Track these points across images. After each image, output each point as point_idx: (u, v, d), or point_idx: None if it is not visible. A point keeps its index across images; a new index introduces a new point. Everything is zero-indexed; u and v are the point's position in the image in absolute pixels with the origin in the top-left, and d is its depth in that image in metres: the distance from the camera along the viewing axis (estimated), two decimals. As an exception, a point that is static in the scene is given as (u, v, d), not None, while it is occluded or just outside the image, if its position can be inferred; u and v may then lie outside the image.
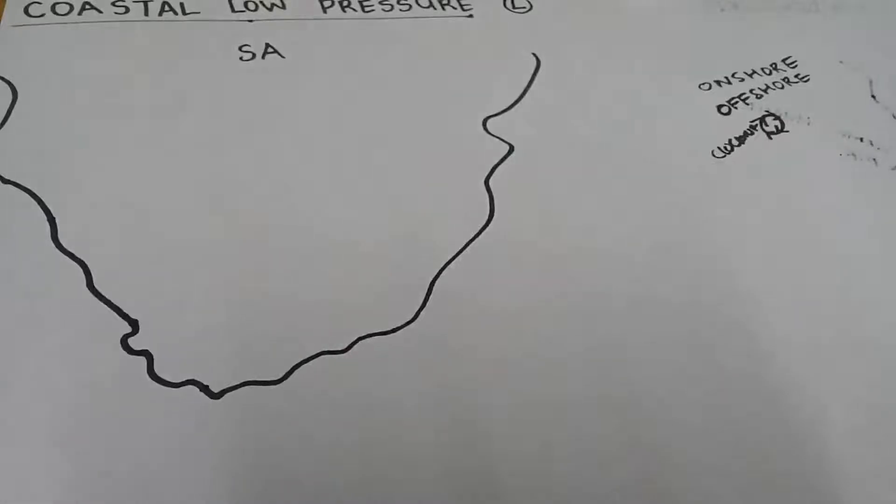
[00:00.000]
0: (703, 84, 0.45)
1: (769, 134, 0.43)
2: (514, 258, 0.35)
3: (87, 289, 0.31)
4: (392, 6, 0.46)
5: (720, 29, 0.49)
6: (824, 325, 0.35)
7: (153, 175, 0.36)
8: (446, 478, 0.29)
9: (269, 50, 0.42)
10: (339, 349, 0.32)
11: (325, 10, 0.45)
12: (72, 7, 0.42)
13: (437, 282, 0.34)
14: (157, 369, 0.30)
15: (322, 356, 0.31)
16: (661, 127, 0.42)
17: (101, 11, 0.42)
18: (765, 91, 0.46)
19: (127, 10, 0.42)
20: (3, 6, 0.41)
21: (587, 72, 0.45)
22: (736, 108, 0.45)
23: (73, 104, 0.37)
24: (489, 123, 0.41)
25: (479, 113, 0.41)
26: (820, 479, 0.31)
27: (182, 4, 0.43)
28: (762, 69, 0.47)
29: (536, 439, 0.30)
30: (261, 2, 0.45)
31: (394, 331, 0.32)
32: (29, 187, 0.34)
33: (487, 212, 0.37)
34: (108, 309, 0.31)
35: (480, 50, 0.45)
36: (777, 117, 0.44)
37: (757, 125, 0.44)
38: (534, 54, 0.45)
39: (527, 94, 0.43)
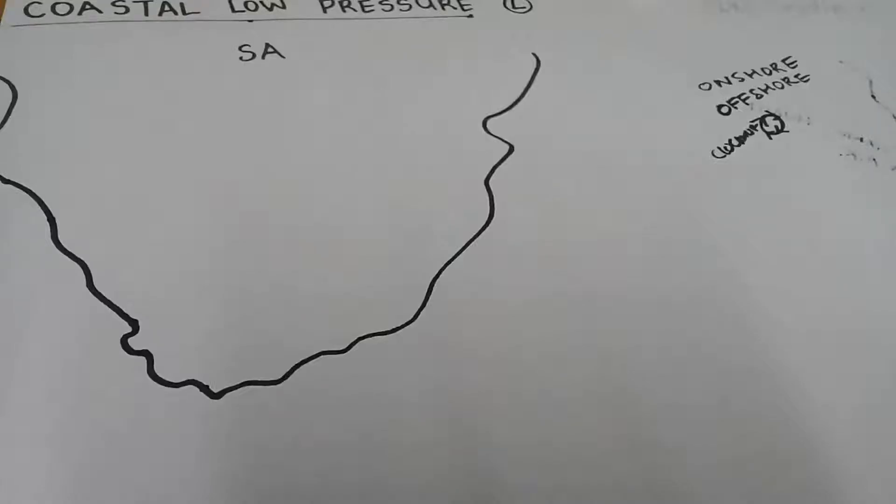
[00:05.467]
0: (703, 84, 0.45)
1: (769, 134, 0.43)
2: (514, 258, 0.35)
3: (87, 289, 0.31)
4: (392, 6, 0.46)
5: (720, 29, 0.49)
6: (824, 324, 0.35)
7: (153, 175, 0.36)
8: (446, 478, 0.29)
9: (269, 50, 0.42)
10: (339, 349, 0.32)
11: (325, 10, 0.45)
12: (72, 7, 0.42)
13: (437, 282, 0.34)
14: (157, 369, 0.30)
15: (322, 356, 0.31)
16: (661, 127, 0.42)
17: (101, 11, 0.42)
18: (765, 91, 0.46)
19: (127, 10, 0.42)
20: (3, 6, 0.41)
21: (587, 72, 0.45)
22: (736, 108, 0.45)
23: (73, 104, 0.37)
24: (489, 123, 0.41)
25: (479, 113, 0.41)
26: (820, 477, 0.31)
27: (182, 4, 0.43)
28: (762, 69, 0.47)
29: (536, 439, 0.30)
30: (261, 2, 0.45)
31: (394, 331, 0.32)
32: (29, 187, 0.34)
33: (487, 212, 0.37)
34: (108, 309, 0.31)
35: (480, 50, 0.45)
36: (777, 117, 0.44)
37: (757, 125, 0.44)
38: (534, 54, 0.45)
39: (527, 94, 0.43)
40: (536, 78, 0.44)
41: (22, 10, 0.41)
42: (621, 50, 0.46)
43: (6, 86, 0.37)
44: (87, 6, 0.42)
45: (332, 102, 0.40)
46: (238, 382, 0.30)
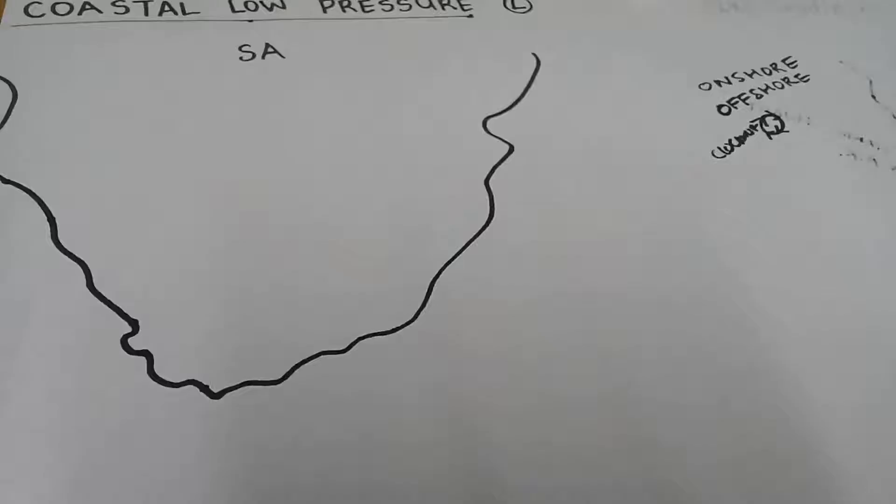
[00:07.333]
0: (703, 84, 0.45)
1: (769, 134, 0.43)
2: (514, 258, 0.35)
3: (87, 289, 0.31)
4: (392, 6, 0.46)
5: (720, 29, 0.49)
6: (824, 324, 0.35)
7: (153, 175, 0.36)
8: (446, 477, 0.29)
9: (269, 50, 0.42)
10: (339, 349, 0.32)
11: (325, 10, 0.45)
12: (72, 7, 0.42)
13: (437, 282, 0.34)
14: (157, 369, 0.30)
15: (322, 356, 0.31)
16: (661, 127, 0.42)
17: (101, 11, 0.42)
18: (765, 91, 0.46)
19: (127, 10, 0.42)
20: (3, 6, 0.41)
21: (587, 72, 0.45)
22: (736, 108, 0.45)
23: (73, 104, 0.37)
24: (489, 123, 0.41)
25: (479, 113, 0.41)
26: (820, 477, 0.31)
27: (182, 4, 0.43)
28: (762, 69, 0.47)
29: (536, 439, 0.30)
30: (261, 2, 0.45)
31: (394, 331, 0.32)
32: (29, 187, 0.34)
33: (487, 212, 0.37)
34: (108, 309, 0.31)
35: (480, 50, 0.45)
36: (777, 117, 0.44)
37: (757, 125, 0.44)
38: (534, 54, 0.45)
39: (527, 94, 0.43)
40: (536, 78, 0.44)
41: (22, 10, 0.41)
42: (621, 50, 0.46)
43: (6, 86, 0.37)
44: (87, 6, 0.42)
45: (332, 102, 0.40)
46: (238, 382, 0.30)
